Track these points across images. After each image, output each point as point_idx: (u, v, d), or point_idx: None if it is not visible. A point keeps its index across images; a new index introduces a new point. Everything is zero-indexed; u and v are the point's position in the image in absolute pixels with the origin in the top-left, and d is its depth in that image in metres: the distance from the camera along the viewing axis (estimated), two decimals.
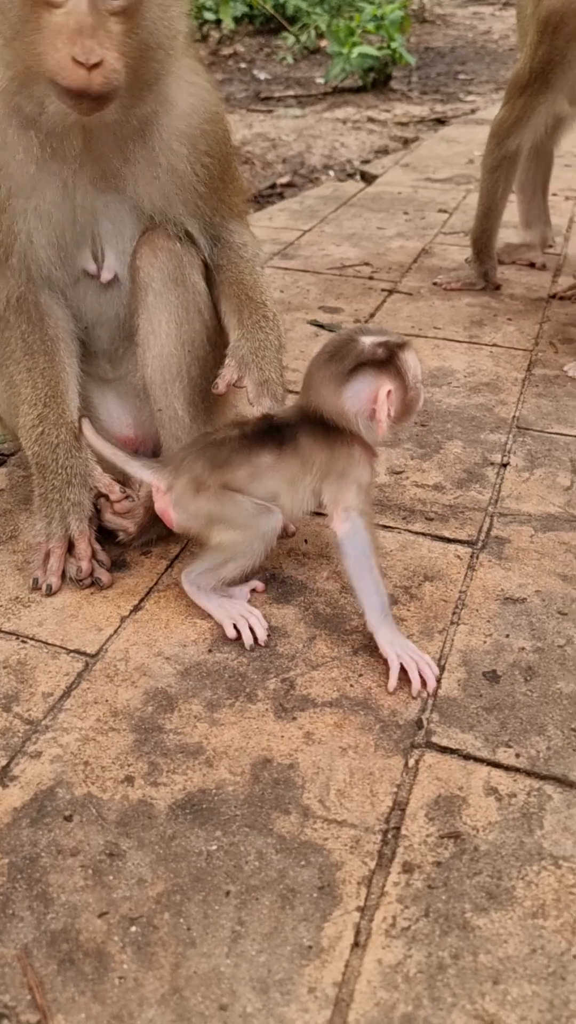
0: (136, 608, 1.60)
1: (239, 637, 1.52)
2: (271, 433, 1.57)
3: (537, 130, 2.83)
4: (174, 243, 1.68)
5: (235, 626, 1.53)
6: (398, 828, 1.19)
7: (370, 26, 8.43)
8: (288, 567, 1.70)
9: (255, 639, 1.51)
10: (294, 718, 1.36)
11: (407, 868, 1.14)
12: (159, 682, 1.43)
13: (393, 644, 1.45)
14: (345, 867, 1.14)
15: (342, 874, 1.13)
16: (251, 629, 1.52)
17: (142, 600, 1.62)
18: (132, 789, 1.25)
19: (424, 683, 1.42)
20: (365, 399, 1.53)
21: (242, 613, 1.55)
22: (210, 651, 1.50)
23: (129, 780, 1.26)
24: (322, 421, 1.56)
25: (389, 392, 1.52)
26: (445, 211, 4.06)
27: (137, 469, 1.62)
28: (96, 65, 1.34)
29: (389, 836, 1.18)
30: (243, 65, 10.59)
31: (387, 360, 1.53)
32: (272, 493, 1.56)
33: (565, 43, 2.57)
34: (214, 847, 1.16)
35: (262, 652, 1.49)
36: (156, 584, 1.66)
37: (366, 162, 5.90)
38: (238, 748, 1.31)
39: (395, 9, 8.64)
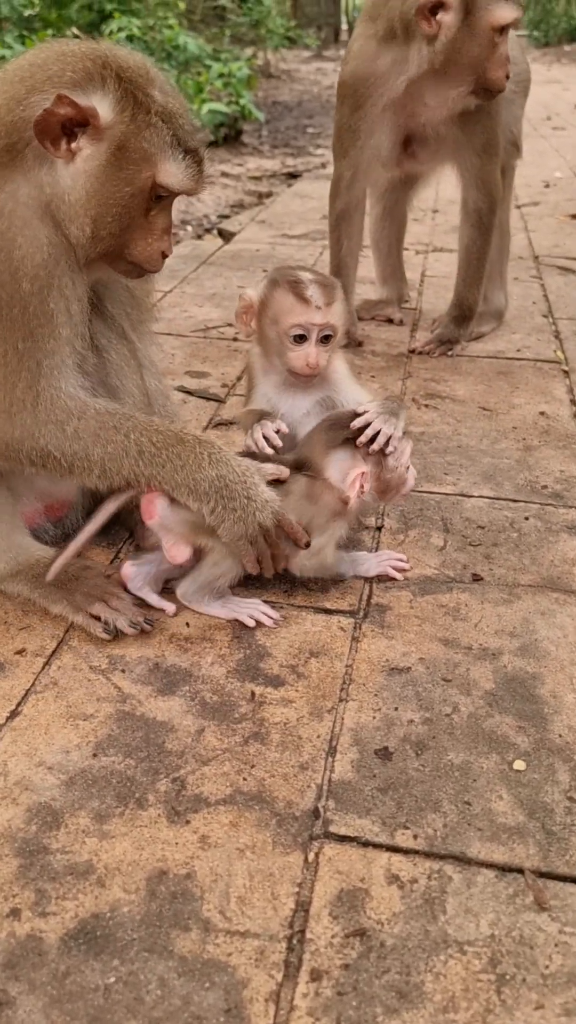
0: (12, 714, 1.52)
1: (258, 625, 1.73)
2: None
3: (357, 190, 2.97)
4: None
5: (250, 616, 1.73)
6: (303, 931, 1.16)
7: (218, 83, 8.62)
8: (171, 655, 1.66)
9: (271, 620, 1.73)
10: (188, 821, 1.32)
11: (315, 976, 1.11)
12: (42, 796, 1.36)
13: None
14: (251, 984, 1.09)
15: (249, 992, 1.08)
16: (265, 615, 1.74)
17: (19, 705, 1.54)
18: (19, 923, 1.16)
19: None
20: (341, 472, 1.74)
21: (247, 606, 1.75)
22: (95, 755, 1.43)
23: (15, 913, 1.18)
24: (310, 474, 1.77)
25: (363, 473, 1.73)
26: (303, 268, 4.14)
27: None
28: None
29: (294, 942, 1.15)
30: None
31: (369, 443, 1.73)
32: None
33: (350, 112, 2.71)
34: (112, 979, 1.10)
35: (150, 752, 1.44)
36: (33, 685, 1.58)
37: (224, 217, 5.99)
38: (131, 862, 1.25)
39: (241, 67, 8.88)
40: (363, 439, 1.73)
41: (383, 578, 1.88)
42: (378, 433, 1.74)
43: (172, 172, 1.57)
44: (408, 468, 1.78)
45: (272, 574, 1.75)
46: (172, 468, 1.65)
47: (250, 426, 1.89)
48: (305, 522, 1.73)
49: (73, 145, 1.53)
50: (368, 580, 1.88)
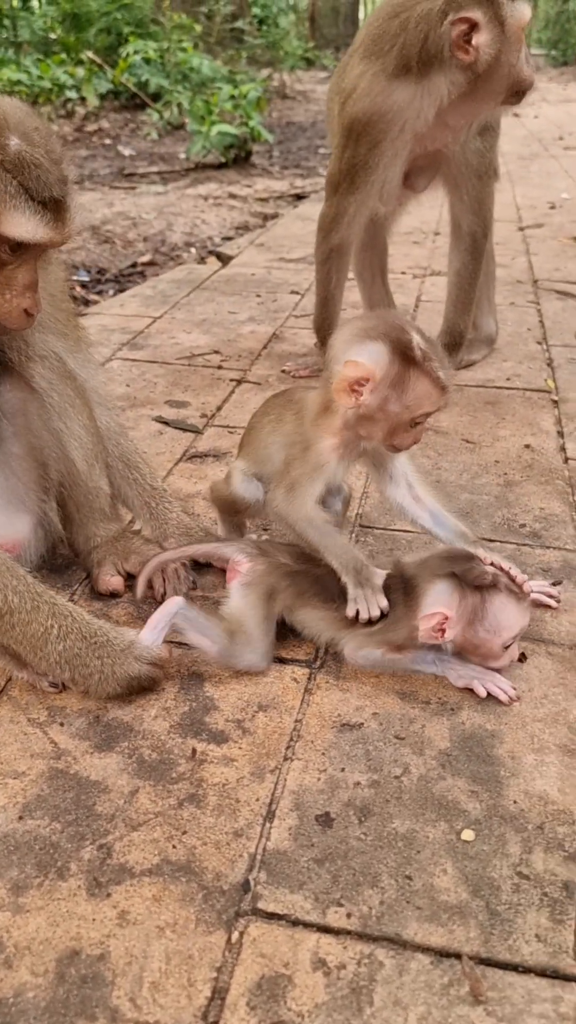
0: None
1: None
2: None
3: (357, 225, 2.89)
4: None
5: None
6: (216, 1023, 1.08)
7: (228, 105, 8.64)
8: (113, 707, 1.59)
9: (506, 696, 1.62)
10: (109, 894, 1.24)
11: None
12: None
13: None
14: None
15: None
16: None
17: None
18: None
19: None
20: (431, 604, 1.59)
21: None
22: (21, 818, 1.36)
23: None
24: (408, 591, 1.64)
25: (446, 617, 1.57)
26: (297, 292, 4.10)
27: (225, 548, 1.78)
28: None
29: None
30: (108, 141, 10.68)
31: (475, 589, 1.59)
32: (310, 634, 1.72)
33: (367, 150, 2.64)
34: None
35: (78, 814, 1.37)
36: None
37: (227, 239, 5.97)
38: (43, 940, 1.18)
39: (251, 89, 8.89)
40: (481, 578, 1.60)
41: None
42: (496, 576, 1.61)
43: (19, 223, 1.50)
44: (507, 648, 1.63)
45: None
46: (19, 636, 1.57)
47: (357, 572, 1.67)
48: (378, 631, 1.65)
49: None
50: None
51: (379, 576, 1.67)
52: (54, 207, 1.54)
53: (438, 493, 1.90)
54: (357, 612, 1.64)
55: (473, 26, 2.37)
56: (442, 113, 2.56)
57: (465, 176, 2.83)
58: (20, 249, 1.56)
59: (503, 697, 1.61)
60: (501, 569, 1.64)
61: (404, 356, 1.57)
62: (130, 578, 1.92)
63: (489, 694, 1.62)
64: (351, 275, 3.55)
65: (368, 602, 1.64)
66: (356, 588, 1.65)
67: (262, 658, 1.66)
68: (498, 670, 1.65)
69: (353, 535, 2.14)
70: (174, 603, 1.65)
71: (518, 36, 2.44)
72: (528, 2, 2.46)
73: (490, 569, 1.61)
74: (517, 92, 2.57)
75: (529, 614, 1.64)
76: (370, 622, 1.64)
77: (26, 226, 1.51)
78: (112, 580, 1.88)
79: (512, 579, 1.63)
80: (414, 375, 1.57)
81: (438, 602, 1.59)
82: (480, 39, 2.39)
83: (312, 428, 1.69)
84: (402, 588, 1.66)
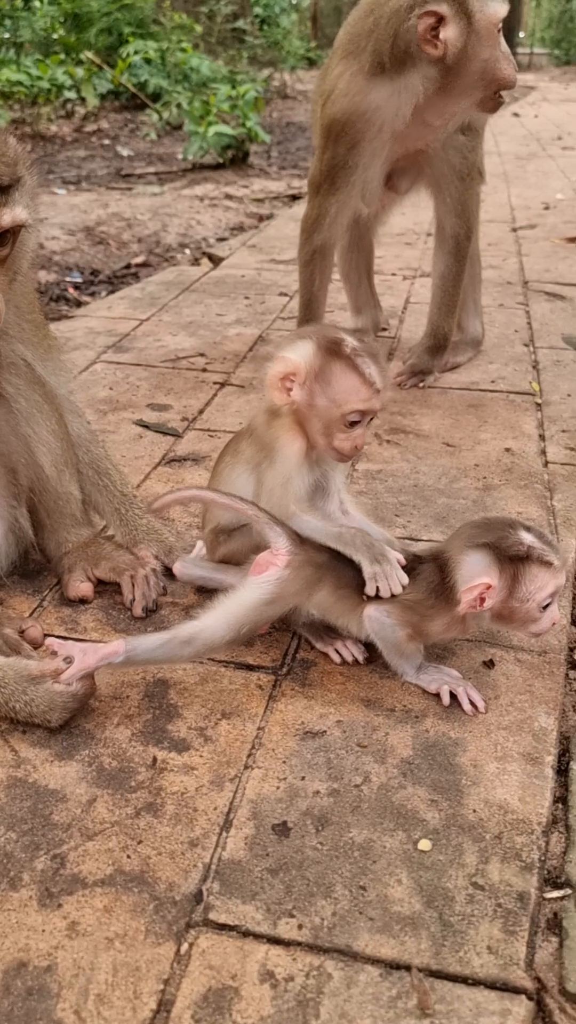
0: None
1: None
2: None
3: (339, 226, 2.88)
4: None
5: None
6: None
7: (225, 106, 8.63)
8: (76, 715, 1.58)
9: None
10: (59, 905, 1.24)
11: None
12: None
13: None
14: None
15: None
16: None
17: None
18: None
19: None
20: (469, 575, 1.54)
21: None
22: None
23: None
24: (442, 568, 1.60)
25: (489, 586, 1.53)
26: (286, 294, 4.09)
27: (268, 526, 1.62)
28: None
29: None
30: (107, 142, 10.68)
31: (513, 559, 1.54)
32: (336, 623, 1.69)
33: (346, 150, 2.63)
34: None
35: (35, 824, 1.36)
36: None
37: (222, 240, 5.96)
38: None
39: (249, 90, 8.89)
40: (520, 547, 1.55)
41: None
42: (531, 546, 1.55)
43: None
44: (546, 608, 1.58)
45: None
46: None
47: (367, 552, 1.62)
48: (412, 599, 1.60)
49: None
50: (296, 635, 1.79)
51: (393, 553, 1.63)
52: None
53: (364, 508, 1.95)
54: (378, 590, 1.59)
55: (440, 19, 2.37)
56: (419, 111, 2.55)
57: (448, 178, 2.82)
58: None
59: (467, 707, 1.60)
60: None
61: (329, 350, 1.59)
62: (101, 584, 1.92)
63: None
64: (336, 277, 3.55)
65: (388, 578, 1.59)
66: (372, 565, 1.59)
67: (228, 643, 1.59)
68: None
69: None
70: (114, 651, 1.54)
71: (490, 31, 2.42)
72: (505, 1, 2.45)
73: (524, 535, 1.57)
74: (497, 90, 2.56)
75: (564, 573, 1.59)
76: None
77: None
78: (82, 586, 1.88)
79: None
80: (339, 368, 1.58)
81: (479, 572, 1.54)
82: (447, 32, 2.38)
83: (269, 436, 1.67)
84: (427, 572, 1.62)
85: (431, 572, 1.61)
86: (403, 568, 1.62)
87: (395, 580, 1.59)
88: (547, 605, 1.58)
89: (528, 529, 1.59)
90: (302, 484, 1.67)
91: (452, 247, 2.95)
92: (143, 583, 1.86)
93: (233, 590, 1.60)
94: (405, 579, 1.60)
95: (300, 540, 1.62)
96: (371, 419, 1.65)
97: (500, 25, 2.47)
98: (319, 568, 1.61)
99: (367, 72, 2.55)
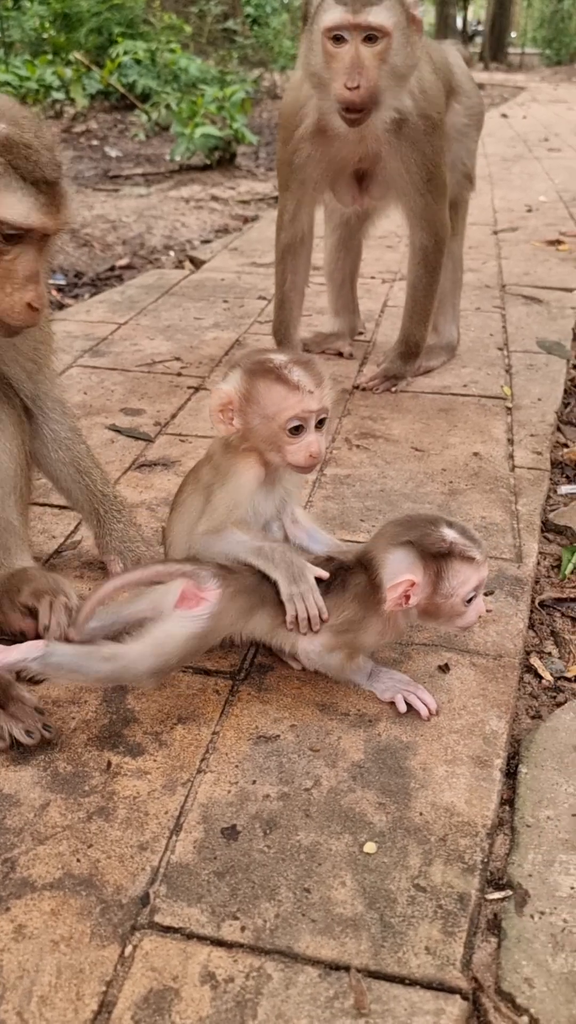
0: None
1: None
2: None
3: (300, 223, 2.92)
4: None
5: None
6: None
7: (212, 107, 8.65)
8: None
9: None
10: (8, 908, 1.26)
11: None
12: None
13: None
14: None
15: None
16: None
17: None
18: None
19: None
20: (393, 573, 1.56)
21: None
22: None
23: None
24: (367, 569, 1.61)
25: (413, 583, 1.55)
26: (264, 298, 4.11)
27: (187, 569, 1.61)
28: None
29: None
30: (95, 142, 10.68)
31: (436, 556, 1.56)
32: (274, 644, 1.70)
33: (283, 145, 2.71)
34: None
35: None
36: None
37: (206, 242, 5.98)
38: None
39: (237, 91, 8.90)
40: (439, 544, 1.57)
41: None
42: (452, 542, 1.58)
43: (10, 205, 1.48)
44: (470, 602, 1.60)
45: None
46: None
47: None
48: (341, 620, 1.62)
49: None
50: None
51: (312, 571, 1.63)
52: (47, 190, 1.52)
53: (329, 513, 1.99)
54: (297, 617, 1.60)
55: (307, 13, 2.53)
56: (322, 116, 2.61)
57: (408, 191, 2.80)
58: (15, 238, 1.52)
59: (423, 712, 1.62)
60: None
61: (254, 372, 1.62)
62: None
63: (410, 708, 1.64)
64: (319, 281, 3.58)
65: (305, 598, 1.60)
66: (290, 585, 1.60)
67: (157, 680, 1.58)
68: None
69: None
70: (32, 647, 1.52)
71: (321, 40, 2.46)
72: (348, 10, 2.41)
73: (446, 532, 1.59)
74: (339, 103, 2.48)
75: (486, 567, 1.61)
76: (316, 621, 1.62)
77: (18, 208, 1.49)
78: (11, 616, 1.80)
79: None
80: (263, 384, 1.60)
81: (402, 570, 1.56)
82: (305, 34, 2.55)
83: (225, 461, 1.69)
84: (353, 580, 1.63)
85: (357, 578, 1.63)
86: (328, 580, 1.63)
87: (311, 602, 1.60)
88: (472, 599, 1.60)
89: (451, 525, 1.61)
90: (249, 512, 1.69)
91: (421, 258, 2.96)
92: (60, 610, 1.74)
93: (162, 619, 1.57)
94: (322, 603, 1.61)
95: (229, 569, 1.61)
96: (320, 422, 1.65)
97: (334, 35, 2.42)
98: (252, 594, 1.60)
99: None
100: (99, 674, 1.55)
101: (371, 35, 2.42)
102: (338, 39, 2.43)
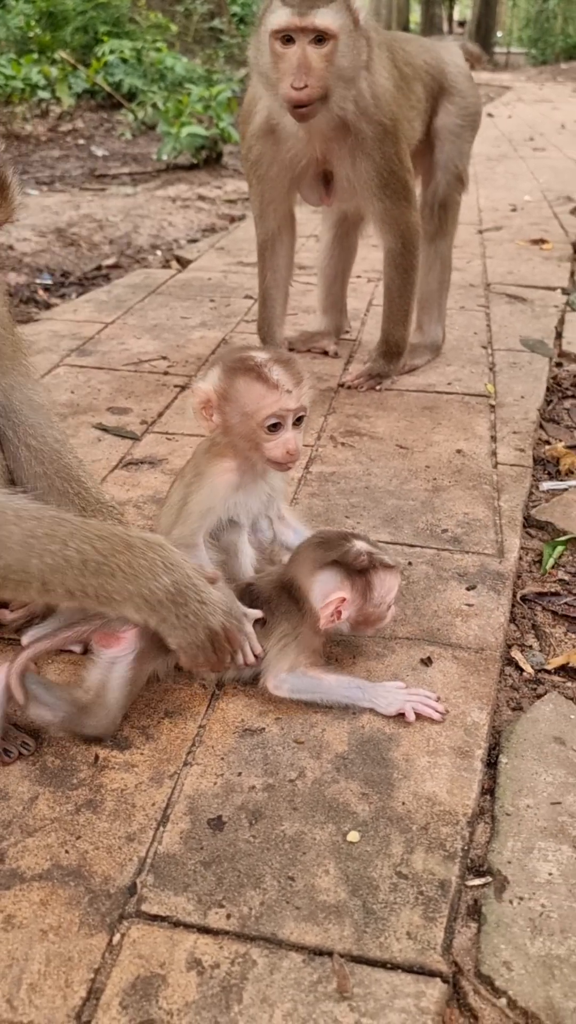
0: None
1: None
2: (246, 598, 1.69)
3: (270, 219, 2.98)
4: None
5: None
6: (89, 1023, 1.12)
7: (198, 107, 8.66)
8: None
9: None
10: None
11: None
12: None
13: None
14: None
15: None
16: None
17: None
18: None
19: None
20: (323, 594, 1.65)
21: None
22: None
23: None
24: (291, 593, 1.68)
25: (343, 599, 1.64)
26: (251, 297, 4.13)
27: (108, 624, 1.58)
28: None
29: None
30: (82, 142, 10.66)
31: (361, 571, 1.64)
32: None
33: (241, 141, 2.77)
34: None
35: None
36: None
37: (193, 241, 6.00)
38: None
39: (223, 91, 8.92)
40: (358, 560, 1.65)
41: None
42: (371, 555, 1.66)
43: None
44: (390, 607, 1.71)
45: (215, 674, 1.67)
46: (124, 578, 1.47)
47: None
48: (283, 645, 1.66)
49: None
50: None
51: (252, 615, 1.67)
52: None
53: (299, 514, 1.99)
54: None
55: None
56: (272, 115, 2.66)
57: (366, 196, 2.81)
58: None
59: (436, 716, 1.63)
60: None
61: (233, 370, 1.65)
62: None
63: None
64: (307, 279, 3.61)
65: (243, 646, 1.64)
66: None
67: (112, 724, 1.57)
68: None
69: None
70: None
71: (268, 41, 2.49)
72: (294, 13, 2.43)
73: (360, 546, 1.68)
74: (288, 102, 2.52)
75: (399, 572, 1.74)
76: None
77: None
78: None
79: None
80: (242, 382, 1.64)
81: (332, 588, 1.65)
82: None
83: (204, 461, 1.72)
84: (283, 605, 1.68)
85: (285, 603, 1.68)
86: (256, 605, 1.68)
87: (247, 650, 1.65)
88: (390, 606, 1.71)
89: (358, 537, 1.70)
90: (217, 510, 1.71)
91: (390, 260, 2.98)
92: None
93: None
94: (258, 647, 1.66)
95: None
96: (299, 420, 1.68)
97: (283, 36, 2.44)
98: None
99: None
100: (62, 712, 1.56)
101: (319, 37, 2.45)
102: (286, 40, 2.47)
